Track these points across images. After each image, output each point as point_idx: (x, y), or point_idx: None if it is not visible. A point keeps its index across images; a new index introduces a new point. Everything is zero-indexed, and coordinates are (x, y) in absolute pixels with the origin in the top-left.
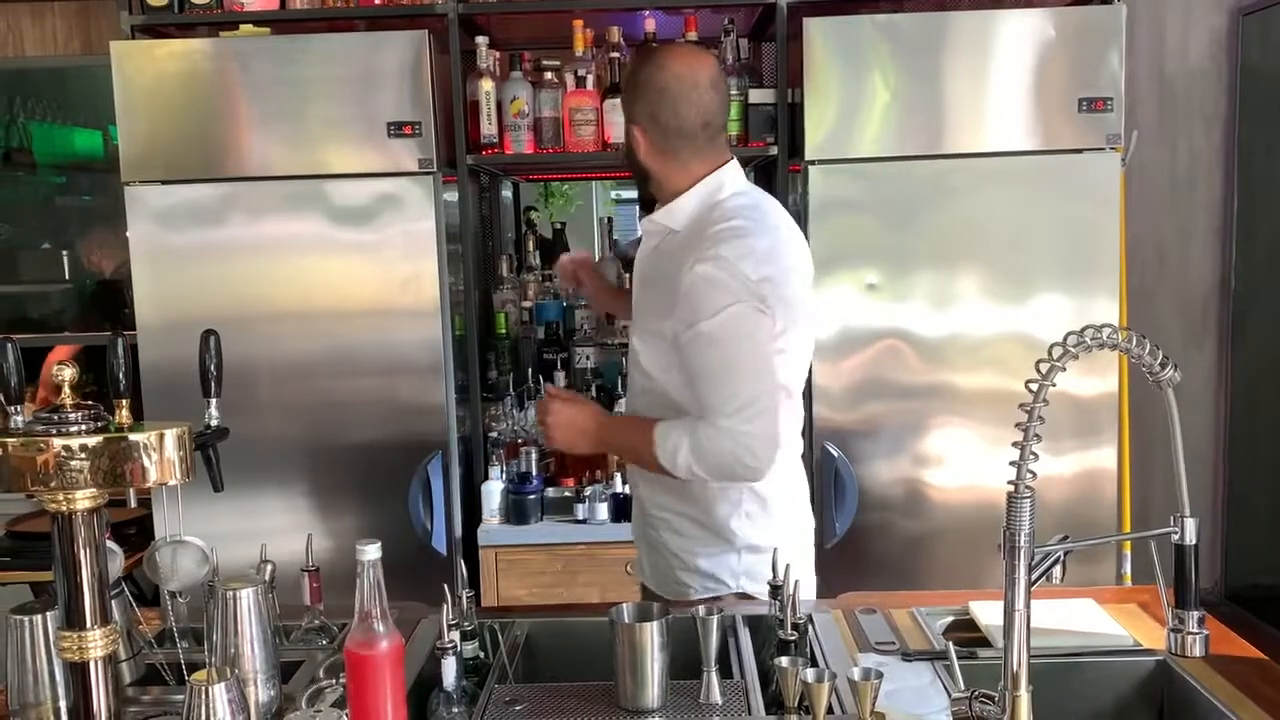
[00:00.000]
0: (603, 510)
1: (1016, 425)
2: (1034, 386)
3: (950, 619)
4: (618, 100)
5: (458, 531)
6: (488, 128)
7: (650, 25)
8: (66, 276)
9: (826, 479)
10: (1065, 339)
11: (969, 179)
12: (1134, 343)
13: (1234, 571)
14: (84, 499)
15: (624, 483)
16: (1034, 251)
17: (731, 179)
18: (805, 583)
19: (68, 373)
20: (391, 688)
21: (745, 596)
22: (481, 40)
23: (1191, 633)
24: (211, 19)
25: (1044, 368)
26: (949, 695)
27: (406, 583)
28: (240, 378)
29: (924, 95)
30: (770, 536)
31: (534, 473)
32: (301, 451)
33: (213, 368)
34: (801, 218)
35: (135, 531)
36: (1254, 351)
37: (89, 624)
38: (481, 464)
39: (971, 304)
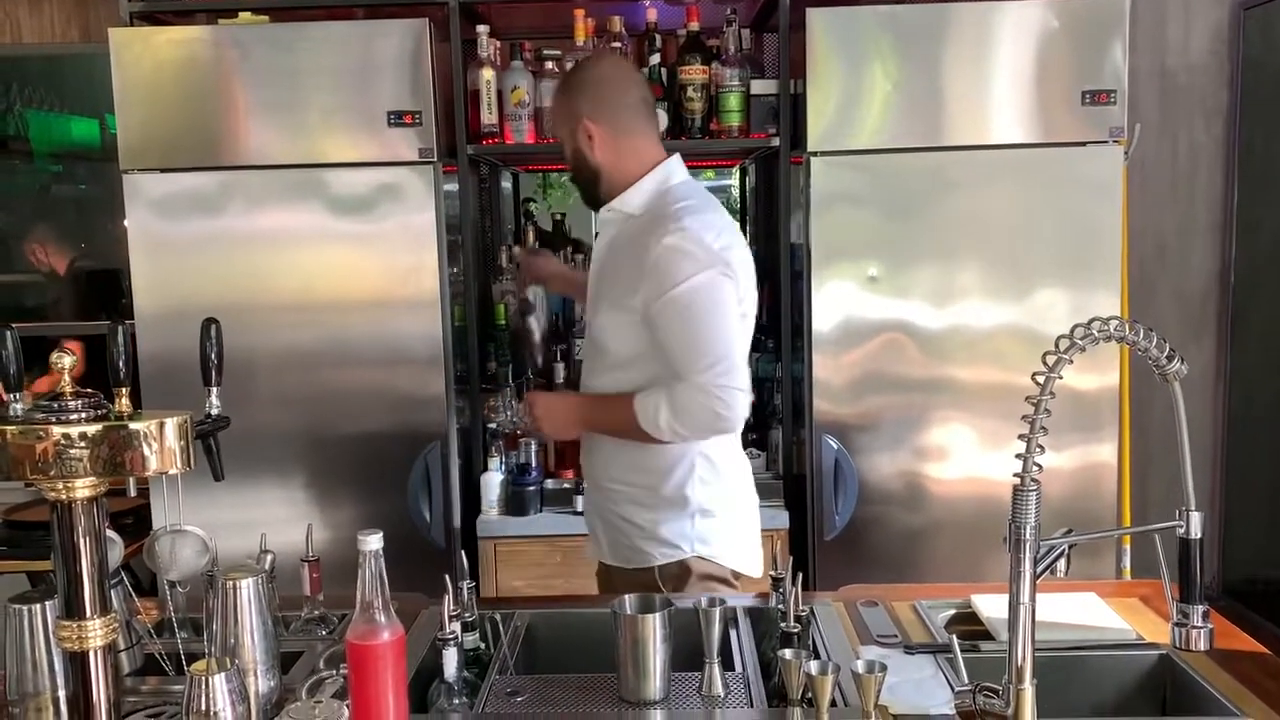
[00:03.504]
0: None
1: (1023, 418)
2: (1040, 379)
3: (952, 612)
4: None
5: (456, 522)
6: (488, 117)
7: (652, 15)
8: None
9: (827, 472)
10: (1073, 331)
11: (971, 171)
12: (1141, 335)
13: (1232, 566)
14: (84, 488)
15: None
16: (1036, 244)
17: (678, 169)
18: (754, 560)
19: (68, 360)
20: (393, 679)
21: (701, 560)
22: (482, 29)
23: (1196, 626)
24: (211, 6)
25: (1051, 360)
26: (952, 688)
27: (404, 573)
28: (238, 367)
29: (926, 87)
30: (721, 501)
31: (533, 464)
32: (300, 442)
33: (214, 356)
34: (804, 209)
35: (132, 521)
36: (1253, 345)
37: (88, 613)
38: (480, 455)
39: (972, 297)
